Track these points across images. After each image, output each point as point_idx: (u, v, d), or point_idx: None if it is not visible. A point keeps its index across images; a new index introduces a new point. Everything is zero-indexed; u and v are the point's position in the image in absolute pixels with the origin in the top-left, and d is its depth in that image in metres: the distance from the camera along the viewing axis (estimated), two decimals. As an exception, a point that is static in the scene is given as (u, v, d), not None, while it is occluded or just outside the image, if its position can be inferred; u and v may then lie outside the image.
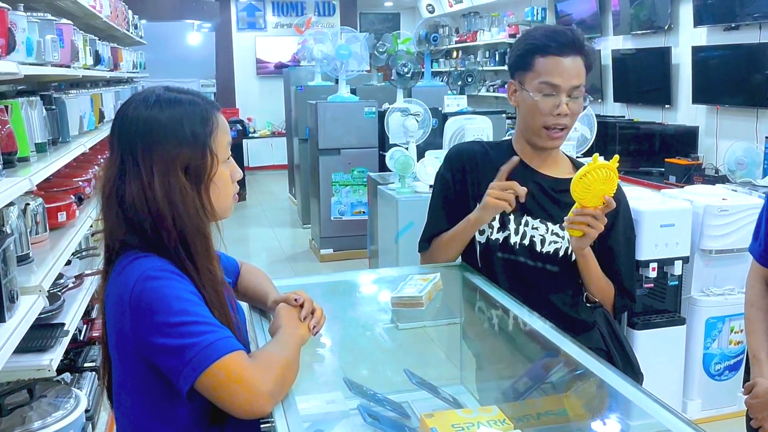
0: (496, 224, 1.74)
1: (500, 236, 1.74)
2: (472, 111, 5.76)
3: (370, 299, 2.17)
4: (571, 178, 1.68)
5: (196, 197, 1.21)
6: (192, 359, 1.09)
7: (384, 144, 5.58)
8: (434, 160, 4.34)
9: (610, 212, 1.62)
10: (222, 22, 11.07)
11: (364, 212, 5.94)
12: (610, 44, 7.64)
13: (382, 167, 5.54)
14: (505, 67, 10.63)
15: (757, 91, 5.57)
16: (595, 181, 1.50)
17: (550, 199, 1.73)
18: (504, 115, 6.74)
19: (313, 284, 2.11)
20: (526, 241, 1.72)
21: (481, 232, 1.76)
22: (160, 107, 1.20)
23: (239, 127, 9.53)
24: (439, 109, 5.74)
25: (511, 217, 1.73)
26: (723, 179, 4.91)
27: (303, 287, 2.06)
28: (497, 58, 10.06)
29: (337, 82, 6.41)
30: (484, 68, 10.10)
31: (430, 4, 12.02)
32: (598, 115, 5.09)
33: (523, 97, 1.69)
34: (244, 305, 1.57)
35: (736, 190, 3.35)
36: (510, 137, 1.86)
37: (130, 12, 6.47)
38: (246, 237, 7.42)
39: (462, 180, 1.80)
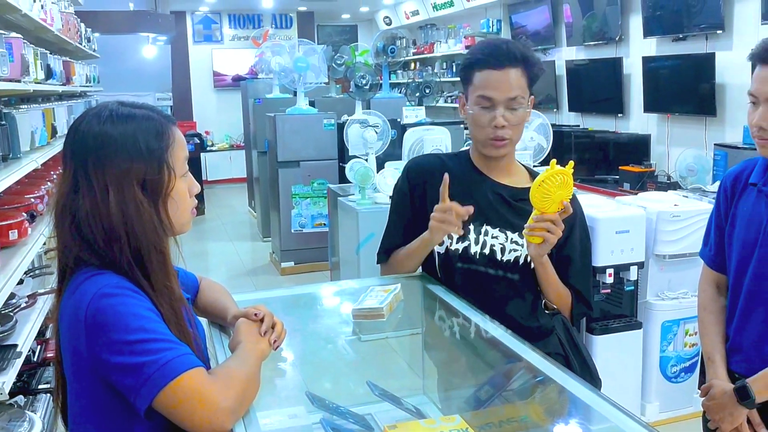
0: (455, 234, 1.74)
1: (460, 246, 1.76)
2: (430, 122, 5.81)
3: (332, 312, 2.16)
4: (528, 188, 1.71)
5: (154, 213, 1.19)
6: (149, 377, 1.07)
7: (343, 156, 5.58)
8: (394, 171, 4.35)
9: (567, 221, 1.65)
10: (178, 35, 10.97)
11: (324, 224, 5.92)
12: (563, 55, 7.79)
13: (342, 179, 5.54)
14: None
15: (705, 99, 5.74)
16: (553, 186, 1.54)
17: (508, 207, 1.75)
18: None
19: (274, 298, 2.10)
20: (487, 251, 1.74)
21: (441, 243, 1.77)
22: (113, 122, 1.19)
23: (197, 140, 9.43)
24: (398, 120, 5.77)
25: (471, 227, 1.74)
26: (675, 185, 5.04)
27: (264, 301, 2.04)
28: (454, 70, 10.17)
29: (295, 94, 6.40)
30: (442, 79, 10.21)
31: (387, 17, 12.10)
32: (553, 125, 5.17)
33: (468, 111, 1.73)
34: (204, 321, 1.55)
35: (687, 196, 3.44)
36: (468, 148, 1.88)
37: (82, 25, 6.36)
38: (205, 251, 7.33)
39: (421, 194, 1.81)
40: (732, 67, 5.57)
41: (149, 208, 1.19)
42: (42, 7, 3.84)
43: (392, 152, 5.00)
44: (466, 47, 9.59)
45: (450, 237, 1.75)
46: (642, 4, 6.34)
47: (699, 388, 3.37)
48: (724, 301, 1.73)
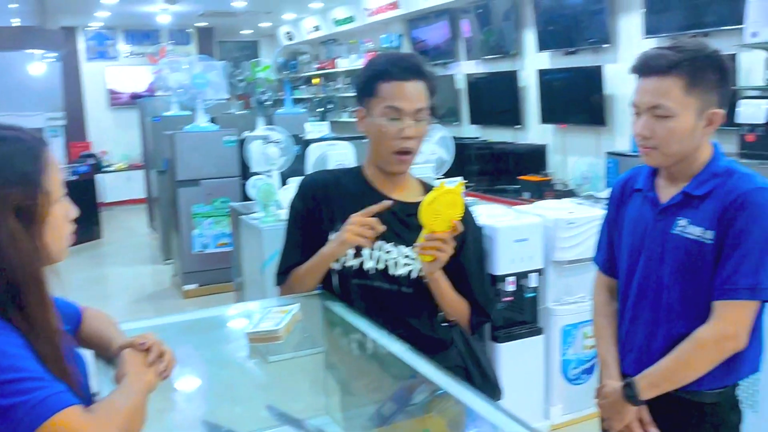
0: (351, 251, 1.74)
1: (355, 263, 1.75)
2: (334, 137, 5.78)
3: (236, 334, 2.10)
4: (419, 202, 1.72)
5: (29, 240, 1.11)
6: (20, 421, 0.98)
7: (246, 173, 5.47)
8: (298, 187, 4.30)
9: (459, 234, 1.67)
10: (69, 52, 10.50)
11: (227, 244, 5.78)
12: (463, 69, 7.98)
13: (245, 197, 5.43)
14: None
15: (596, 110, 6.01)
16: (443, 206, 1.55)
17: (401, 222, 1.74)
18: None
19: (174, 323, 2.01)
20: (381, 266, 1.74)
21: (337, 260, 1.76)
22: None
23: (91, 160, 9.04)
24: (301, 135, 5.73)
25: None
26: (571, 193, 5.23)
27: (163, 327, 1.95)
28: (357, 84, 10.21)
29: (194, 111, 6.24)
30: (345, 94, 10.24)
31: (288, 32, 12.04)
32: (455, 138, 5.27)
33: (371, 123, 1.71)
34: (89, 353, 1.45)
35: (581, 203, 3.57)
36: (358, 165, 1.87)
37: (-40, 41, 5.97)
38: (103, 277, 7.01)
39: (315, 209, 1.79)
40: (618, 78, 5.86)
41: (24, 236, 1.10)
42: None
43: (296, 168, 4.94)
44: (371, 59, 9.64)
45: (345, 254, 1.74)
46: (535, 20, 6.58)
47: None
48: (617, 305, 1.78)
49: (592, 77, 5.98)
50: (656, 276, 1.63)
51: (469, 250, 1.77)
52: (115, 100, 11.38)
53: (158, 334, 1.39)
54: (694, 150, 1.57)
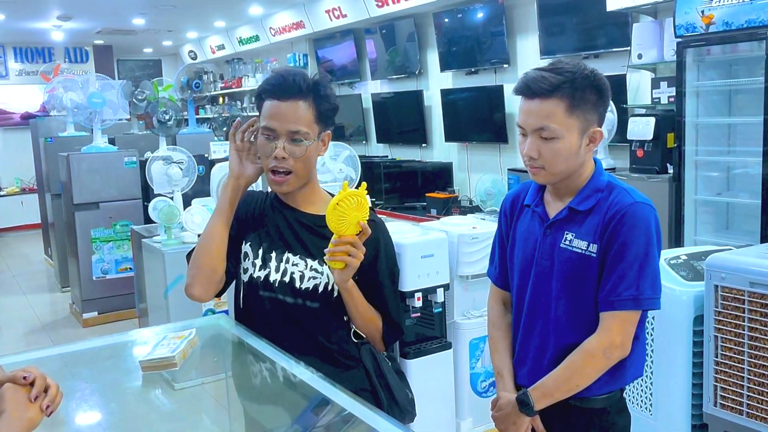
0: (258, 262, 1.72)
1: (261, 274, 1.72)
2: (239, 157, 5.69)
3: (137, 362, 2.01)
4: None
5: None
6: None
7: (148, 195, 5.30)
8: (201, 208, 4.19)
9: (371, 244, 1.67)
10: (-47, 70, 9.90)
11: (130, 269, 5.56)
12: (369, 88, 8.06)
13: (147, 219, 5.25)
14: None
15: (498, 128, 6.19)
16: (348, 208, 1.55)
17: (309, 234, 1.73)
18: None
19: (70, 353, 1.91)
20: (287, 278, 1.71)
21: (245, 271, 1.74)
22: None
23: (-20, 185, 8.52)
24: (206, 155, 5.61)
25: (273, 254, 1.72)
26: (476, 209, 5.34)
27: (60, 357, 1.85)
28: (264, 104, 10.12)
29: (92, 131, 5.99)
30: (251, 114, 10.12)
31: (192, 51, 11.81)
32: (363, 156, 5.31)
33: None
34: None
35: (484, 218, 3.65)
36: None
37: None
38: (-6, 307, 6.58)
39: (243, 212, 1.79)
40: (518, 98, 6.06)
41: None
42: None
43: (200, 189, 4.83)
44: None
45: (253, 264, 1.72)
46: (437, 41, 6.74)
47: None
48: (511, 317, 1.81)
49: (494, 96, 6.17)
50: (546, 289, 1.67)
51: (382, 263, 1.76)
52: (5, 121, 10.78)
53: (52, 365, 1.31)
54: (578, 167, 1.63)
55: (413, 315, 3.19)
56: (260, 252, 1.73)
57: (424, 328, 3.31)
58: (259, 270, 1.72)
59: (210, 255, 1.71)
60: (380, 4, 7.00)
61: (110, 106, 5.93)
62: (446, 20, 6.63)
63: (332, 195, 1.86)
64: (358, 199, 1.56)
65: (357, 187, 1.58)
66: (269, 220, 1.75)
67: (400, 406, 1.79)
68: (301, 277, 1.71)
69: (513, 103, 6.08)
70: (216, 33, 10.64)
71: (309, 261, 1.72)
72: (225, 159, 5.37)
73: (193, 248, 1.75)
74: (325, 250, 1.61)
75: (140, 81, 6.59)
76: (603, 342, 1.58)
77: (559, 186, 1.67)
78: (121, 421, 1.87)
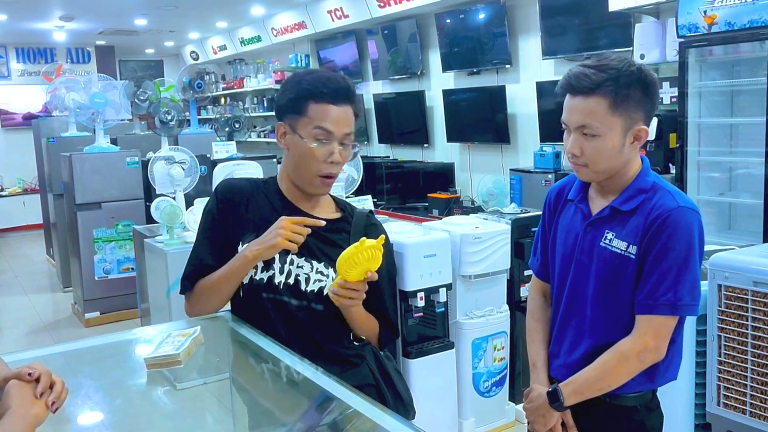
0: (260, 264, 1.69)
1: (264, 276, 1.70)
2: (241, 157, 5.70)
3: (139, 361, 2.01)
4: (335, 218, 1.74)
5: None
6: None
7: (150, 195, 5.30)
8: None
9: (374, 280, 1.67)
10: (-45, 70, 9.92)
11: (132, 269, 5.56)
12: (371, 89, 8.05)
13: (150, 219, 5.25)
14: (274, 113, 10.84)
15: (500, 128, 6.20)
16: (362, 260, 1.55)
17: (315, 237, 1.71)
18: (275, 160, 6.77)
19: (73, 351, 1.91)
20: (291, 280, 1.69)
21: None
22: None
23: (-18, 185, 8.53)
24: (208, 156, 5.62)
25: (276, 256, 1.69)
26: (478, 209, 5.35)
27: (62, 355, 1.84)
28: (266, 104, 10.14)
29: (94, 132, 6.00)
30: (253, 114, 10.12)
31: (194, 51, 11.82)
32: (364, 157, 5.31)
33: (295, 142, 1.67)
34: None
35: (487, 218, 3.64)
36: (272, 176, 1.83)
37: None
38: (-5, 307, 6.59)
39: (232, 215, 1.73)
40: (520, 98, 6.07)
41: None
42: None
43: (203, 189, 4.83)
44: (276, 81, 9.61)
45: (255, 267, 1.69)
46: (439, 41, 6.74)
47: (510, 400, 3.57)
48: (551, 311, 1.81)
49: (496, 97, 6.18)
50: (583, 286, 1.67)
51: (382, 268, 1.75)
52: (7, 121, 10.80)
53: (55, 363, 1.31)
54: (623, 165, 1.61)
55: (416, 315, 3.18)
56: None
57: (427, 328, 3.31)
58: (262, 272, 1.69)
59: (214, 300, 1.74)
60: (382, 4, 7.01)
61: (112, 107, 5.94)
62: (448, 21, 6.63)
63: (334, 198, 1.86)
64: (374, 253, 1.56)
65: (357, 193, 1.59)
66: (272, 219, 1.70)
67: (404, 402, 1.79)
68: (307, 280, 1.70)
69: (515, 104, 6.09)
70: (218, 33, 10.65)
71: (314, 263, 1.70)
72: (226, 159, 5.38)
73: (190, 271, 1.75)
74: (330, 289, 1.62)
75: (142, 81, 6.60)
76: (637, 345, 1.57)
77: (603, 184, 1.66)
78: (123, 419, 1.87)
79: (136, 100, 6.37)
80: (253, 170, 4.54)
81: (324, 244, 1.72)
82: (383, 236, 1.59)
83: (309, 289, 1.70)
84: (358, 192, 4.82)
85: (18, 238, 9.87)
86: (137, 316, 5.10)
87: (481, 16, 6.25)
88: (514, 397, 3.61)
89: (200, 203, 4.25)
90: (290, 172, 1.74)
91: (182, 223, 4.20)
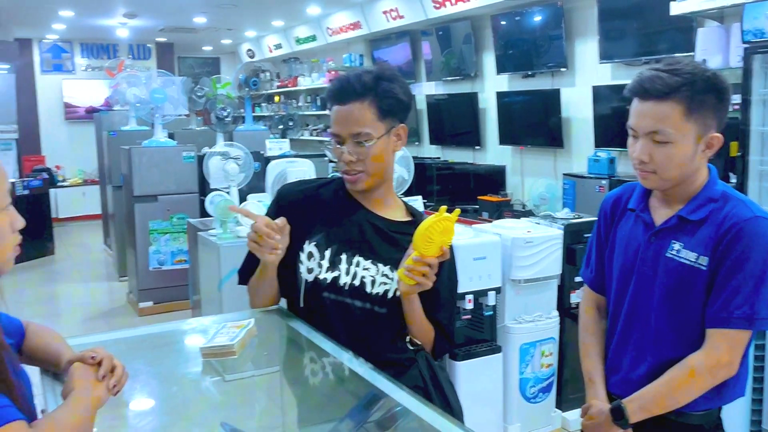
0: (325, 263, 1.69)
1: (329, 276, 1.70)
2: (294, 154, 5.77)
3: (190, 351, 2.05)
4: (404, 221, 1.72)
5: None
6: None
7: (204, 189, 5.41)
8: (257, 204, 4.26)
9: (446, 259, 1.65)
10: (23, 64, 10.28)
11: (185, 261, 5.69)
12: (424, 90, 8.05)
13: (203, 213, 5.36)
14: (327, 112, 10.85)
15: (554, 132, 6.12)
16: (437, 232, 1.54)
17: (382, 240, 1.70)
18: (326, 159, 6.83)
19: (128, 338, 1.96)
20: (357, 282, 1.69)
21: (309, 270, 1.72)
22: None
23: (45, 175, 8.83)
24: (261, 152, 5.70)
25: (343, 256, 1.70)
26: (529, 213, 5.29)
27: (116, 342, 1.90)
28: (318, 103, 10.23)
29: (153, 126, 6.16)
30: (306, 113, 10.23)
31: (250, 49, 12.01)
32: (415, 158, 5.30)
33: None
34: (34, 369, 1.41)
35: (539, 223, 3.61)
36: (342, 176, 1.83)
37: None
38: (55, 294, 6.81)
39: (291, 215, 1.74)
40: (575, 102, 5.99)
41: None
42: None
43: (256, 185, 4.90)
44: (330, 81, 9.68)
45: (320, 265, 1.70)
46: (494, 43, 6.70)
47: (557, 407, 3.53)
48: (605, 323, 1.76)
49: (550, 100, 6.10)
50: (646, 299, 1.61)
51: (444, 274, 1.73)
52: (71, 114, 11.17)
53: (110, 349, 1.35)
54: (691, 173, 1.55)
55: (464, 317, 3.18)
56: (328, 253, 1.70)
57: (474, 331, 3.30)
58: (327, 272, 1.69)
59: (265, 299, 1.81)
60: (438, 5, 7.00)
61: (171, 102, 6.08)
62: (503, 22, 6.59)
63: (406, 204, 1.84)
64: (448, 225, 1.55)
65: (407, 194, 1.59)
66: (338, 219, 1.72)
67: (452, 409, 1.78)
68: (373, 282, 1.69)
69: (570, 108, 6.01)
70: (274, 32, 10.80)
71: (380, 266, 1.69)
72: (279, 156, 5.46)
73: (243, 267, 1.82)
74: (404, 265, 1.59)
75: (199, 78, 6.75)
76: (710, 360, 1.52)
77: (669, 192, 1.60)
78: (173, 407, 1.91)
79: (193, 96, 6.51)
80: (305, 168, 4.59)
81: (391, 247, 1.71)
82: (458, 210, 1.57)
83: (374, 291, 1.69)
84: (408, 193, 4.82)
85: (77, 228, 10.19)
86: (189, 308, 5.22)
87: (538, 18, 6.19)
88: (561, 404, 3.57)
89: (253, 198, 4.32)
90: None
91: (235, 218, 4.27)
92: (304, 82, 10.46)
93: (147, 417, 1.86)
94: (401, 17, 7.65)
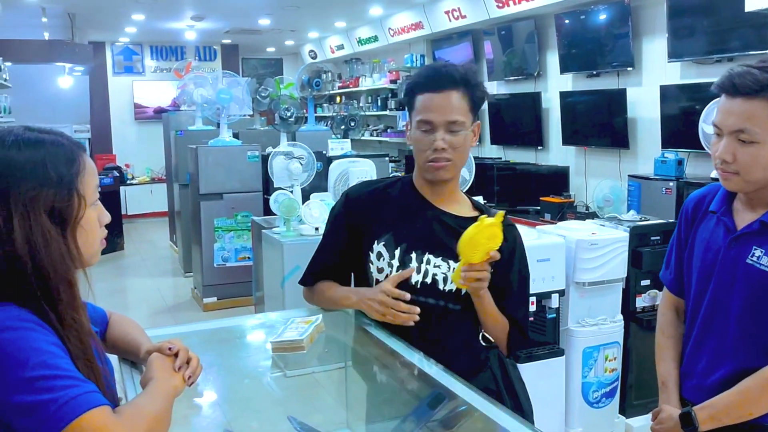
0: (395, 263, 1.69)
1: None
2: (355, 154, 5.82)
3: (255, 346, 2.10)
4: (471, 217, 1.69)
5: (62, 241, 1.13)
6: (49, 417, 0.99)
7: (268, 188, 5.52)
8: (319, 203, 4.32)
9: (507, 251, 1.66)
10: (96, 66, 10.69)
11: (248, 258, 5.81)
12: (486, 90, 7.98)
13: (267, 211, 5.46)
14: (387, 112, 10.78)
15: (619, 133, 5.99)
16: (483, 239, 1.54)
17: (452, 236, 1.67)
18: (387, 159, 6.87)
19: (194, 332, 2.02)
20: (429, 280, 1.69)
21: (380, 270, 1.71)
22: (18, 148, 1.13)
23: (116, 173, 9.16)
24: (324, 152, 5.77)
25: (413, 254, 1.69)
26: (593, 215, 5.20)
27: (183, 335, 1.96)
28: (379, 104, 10.28)
29: (218, 126, 6.31)
30: (367, 113, 10.30)
31: (312, 50, 12.16)
32: (476, 158, 5.29)
33: (411, 135, 1.71)
34: (114, 357, 1.47)
35: (604, 225, 3.54)
36: (408, 174, 1.84)
37: (-7, 53, 6.11)
38: (123, 288, 7.06)
39: (356, 222, 1.77)
40: (642, 102, 5.84)
41: (57, 237, 1.13)
42: (-53, 32, 3.66)
43: (318, 184, 4.97)
44: (391, 81, 9.73)
45: (390, 265, 1.69)
46: (558, 42, 6.60)
47: (620, 413, 3.46)
48: (683, 327, 1.72)
49: (616, 100, 5.98)
50: (724, 305, 1.56)
51: (515, 270, 1.74)
52: (140, 114, 11.54)
53: (183, 341, 1.40)
54: None
55: (526, 319, 3.15)
56: (397, 252, 1.69)
57: (536, 334, 3.27)
58: (397, 271, 1.69)
59: (325, 306, 1.85)
60: (501, 5, 6.94)
61: (236, 102, 6.21)
62: (567, 21, 6.48)
63: (471, 200, 1.82)
64: (494, 230, 1.54)
65: (468, 193, 1.58)
66: (407, 217, 1.72)
67: (523, 411, 1.76)
68: (444, 279, 1.69)
69: (636, 108, 5.87)
70: (336, 33, 10.91)
71: (451, 263, 1.68)
72: (341, 156, 5.52)
73: (312, 269, 1.85)
74: (455, 276, 1.61)
75: (263, 79, 6.87)
76: None
77: (752, 196, 1.53)
78: (236, 401, 1.96)
79: (257, 97, 6.64)
80: (366, 168, 4.63)
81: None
82: (502, 213, 1.58)
83: (447, 288, 1.69)
84: (469, 193, 4.80)
85: (144, 224, 10.53)
86: (251, 304, 5.33)
87: (603, 16, 6.07)
88: (625, 410, 3.50)
89: (316, 198, 4.39)
90: (416, 167, 1.75)
91: (299, 216, 4.34)
92: (365, 83, 10.53)
93: (215, 409, 1.91)
94: (463, 17, 7.62)
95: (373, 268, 1.72)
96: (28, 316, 1.08)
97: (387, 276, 1.69)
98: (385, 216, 1.74)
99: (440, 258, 1.69)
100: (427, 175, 1.71)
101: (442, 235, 1.70)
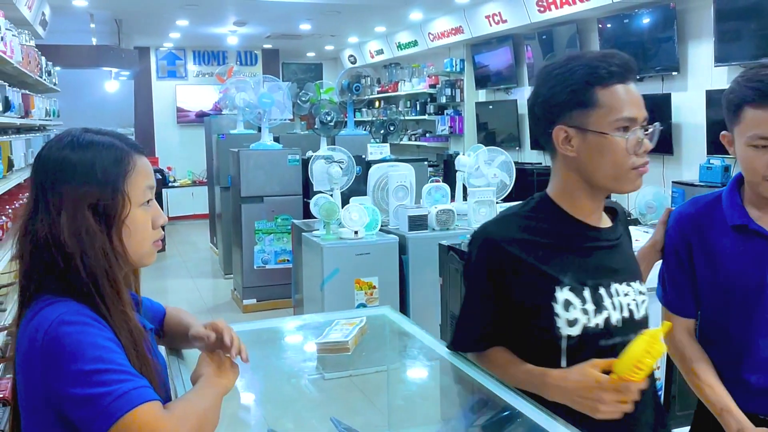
0: (590, 307, 1.36)
1: (600, 320, 1.37)
2: (395, 159, 5.84)
3: (296, 347, 2.13)
4: (612, 226, 1.45)
5: (106, 239, 1.17)
6: (104, 410, 1.03)
7: (308, 191, 5.57)
8: (358, 206, 4.35)
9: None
10: (141, 71, 10.93)
11: (288, 260, 5.86)
12: (526, 94, 7.94)
13: (307, 215, 5.51)
14: (426, 117, 10.77)
15: (663, 138, 5.87)
16: (648, 362, 1.24)
17: (615, 253, 1.43)
18: (426, 163, 6.87)
19: (239, 332, 2.05)
20: (626, 314, 1.39)
21: (571, 324, 1.34)
22: (72, 147, 1.19)
23: (158, 176, 9.33)
24: (363, 156, 5.80)
25: (602, 291, 1.38)
26: (635, 222, 5.11)
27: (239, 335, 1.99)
28: (418, 108, 10.30)
29: (259, 130, 6.39)
30: (406, 118, 10.32)
31: (352, 55, 12.24)
32: (516, 163, 5.25)
33: (590, 141, 1.33)
34: (162, 351, 1.50)
35: (647, 232, 3.49)
36: (538, 195, 1.46)
37: (43, 58, 6.29)
38: (165, 288, 7.18)
39: (500, 278, 1.39)
40: (687, 107, 5.74)
41: (101, 234, 1.16)
42: (2, 39, 3.79)
43: (357, 188, 5.01)
44: (430, 86, 9.74)
45: (585, 311, 1.35)
46: (600, 46, 6.52)
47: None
48: (699, 345, 1.65)
49: (660, 105, 5.88)
50: None
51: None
52: (183, 118, 11.74)
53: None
54: None
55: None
56: (587, 294, 1.36)
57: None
58: (595, 315, 1.35)
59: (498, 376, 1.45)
60: (542, 9, 6.90)
61: (278, 107, 6.28)
62: (609, 25, 6.41)
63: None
64: (660, 348, 1.24)
65: (507, 200, 1.53)
66: (571, 247, 1.40)
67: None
68: (637, 306, 1.41)
69: (681, 113, 5.77)
70: (376, 38, 10.96)
71: (633, 284, 1.42)
72: (381, 161, 5.54)
73: (477, 338, 1.47)
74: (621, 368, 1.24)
75: (304, 83, 6.94)
76: None
77: None
78: (283, 401, 1.98)
79: (298, 101, 6.71)
80: (406, 172, 4.64)
81: (629, 258, 1.48)
82: (669, 323, 1.34)
83: (641, 315, 1.42)
84: (508, 198, 4.78)
85: (186, 226, 10.69)
86: (291, 306, 5.37)
87: (647, 20, 5.98)
88: (668, 421, 3.43)
89: (355, 202, 4.42)
90: (590, 177, 1.36)
91: (338, 219, 4.37)
92: (405, 87, 10.55)
93: (259, 409, 1.94)
94: (504, 21, 7.59)
95: (560, 323, 1.35)
96: (86, 311, 1.12)
97: (584, 327, 1.35)
98: (548, 254, 1.38)
99: (624, 284, 1.41)
100: (623, 185, 1.36)
101: (611, 258, 1.43)
